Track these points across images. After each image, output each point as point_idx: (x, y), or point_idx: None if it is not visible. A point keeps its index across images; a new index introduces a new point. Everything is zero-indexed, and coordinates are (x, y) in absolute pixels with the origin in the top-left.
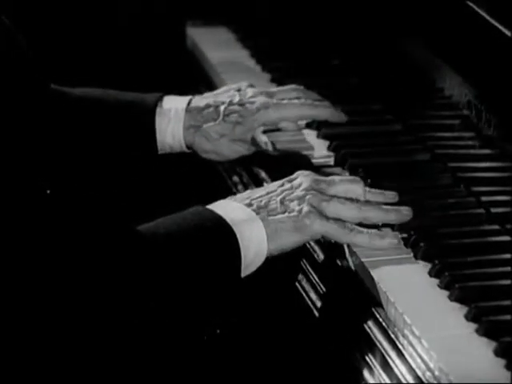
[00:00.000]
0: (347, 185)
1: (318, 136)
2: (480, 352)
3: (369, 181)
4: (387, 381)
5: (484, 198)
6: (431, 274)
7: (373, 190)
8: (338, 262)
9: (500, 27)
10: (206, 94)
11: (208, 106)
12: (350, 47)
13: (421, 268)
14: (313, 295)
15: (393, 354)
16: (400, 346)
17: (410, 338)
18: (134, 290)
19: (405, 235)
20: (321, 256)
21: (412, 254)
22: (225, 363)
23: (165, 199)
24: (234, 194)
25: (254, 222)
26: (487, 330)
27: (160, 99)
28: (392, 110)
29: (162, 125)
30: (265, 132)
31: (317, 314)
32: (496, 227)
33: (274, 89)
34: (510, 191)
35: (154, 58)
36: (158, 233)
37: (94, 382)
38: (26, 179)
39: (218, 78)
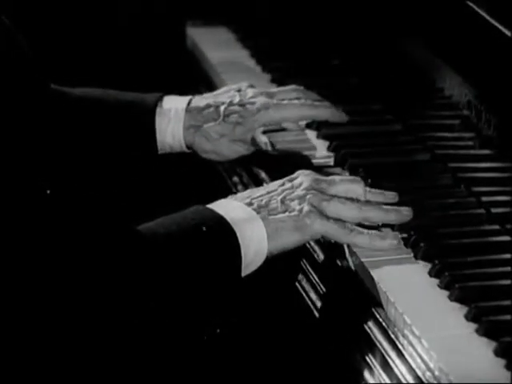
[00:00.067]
0: (348, 185)
1: (318, 136)
2: (480, 352)
3: (369, 181)
4: (387, 381)
5: (484, 198)
6: (431, 274)
7: (373, 190)
8: (338, 262)
9: (500, 27)
10: (206, 95)
11: (208, 106)
12: (349, 47)
13: (421, 268)
14: (313, 295)
15: (393, 354)
16: (400, 346)
17: (410, 337)
18: (134, 289)
19: (405, 235)
20: (321, 256)
21: (412, 254)
22: (225, 363)
23: (165, 199)
24: (234, 194)
25: (255, 222)
26: (487, 329)
27: (160, 99)
28: (392, 110)
29: (162, 125)
30: (265, 132)
31: (317, 314)
32: (496, 227)
33: (274, 89)
34: (510, 191)
35: (154, 58)
36: (158, 232)
37: (94, 382)
38: (25, 179)
39: (217, 78)
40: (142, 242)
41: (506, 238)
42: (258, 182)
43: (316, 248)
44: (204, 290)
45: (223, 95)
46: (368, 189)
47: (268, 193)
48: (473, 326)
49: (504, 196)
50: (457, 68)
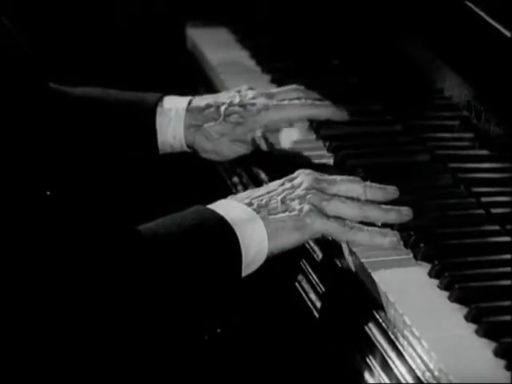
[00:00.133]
0: (348, 184)
1: (318, 137)
2: (480, 353)
3: (368, 181)
4: (387, 381)
5: (484, 199)
6: (431, 274)
7: (373, 184)
8: (338, 263)
9: (500, 28)
10: (206, 96)
11: (209, 105)
12: (349, 47)
13: (421, 269)
14: (312, 296)
15: (393, 354)
16: (400, 347)
17: (410, 338)
18: (135, 289)
19: (405, 236)
20: (320, 256)
21: (412, 255)
22: (225, 363)
23: (165, 199)
24: (234, 194)
25: (255, 221)
26: (487, 330)
27: (160, 99)
28: (392, 111)
29: (163, 124)
30: (265, 133)
31: (316, 314)
32: (496, 228)
33: (274, 90)
34: (510, 192)
35: (153, 58)
36: (159, 233)
37: (94, 382)
38: (25, 180)
39: (217, 79)
40: (142, 242)
41: (506, 239)
42: (258, 183)
43: (316, 248)
44: (204, 290)
45: (223, 96)
46: (368, 183)
47: (268, 193)
48: (473, 326)
49: (504, 196)
50: (457, 68)
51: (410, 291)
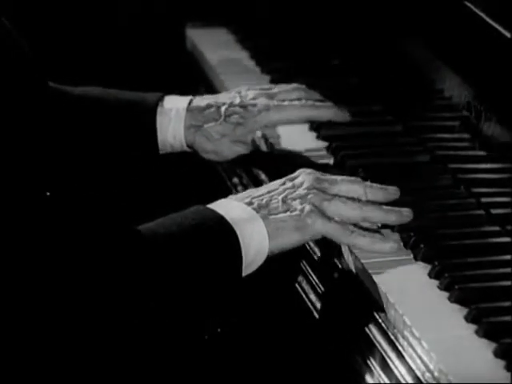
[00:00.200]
0: (349, 184)
1: (318, 137)
2: (480, 353)
3: (369, 182)
4: (387, 381)
5: (484, 199)
6: (431, 275)
7: (374, 184)
8: (338, 264)
9: (500, 28)
10: (207, 96)
11: (209, 106)
12: (349, 47)
13: (421, 269)
14: (312, 296)
15: (392, 355)
16: (400, 347)
17: (410, 339)
18: (135, 289)
19: (405, 236)
20: (320, 257)
21: (412, 256)
22: (225, 362)
23: (165, 199)
24: (235, 195)
25: (255, 221)
26: (487, 331)
27: (161, 99)
28: (392, 111)
29: (163, 124)
30: (265, 133)
31: (316, 315)
32: (496, 228)
33: (275, 89)
34: (510, 192)
35: (153, 59)
36: (159, 232)
37: (94, 382)
38: (25, 181)
39: (217, 80)
40: (142, 242)
41: (506, 239)
42: (258, 183)
43: (316, 249)
44: (205, 289)
45: (224, 96)
46: (369, 183)
47: (269, 192)
48: (472, 327)
49: (504, 197)
50: (457, 69)
51: (410, 292)
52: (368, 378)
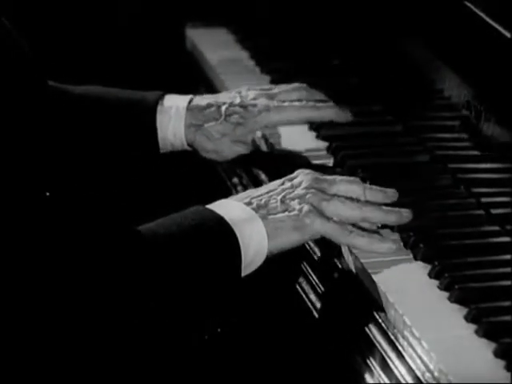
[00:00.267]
0: (348, 185)
1: (318, 137)
2: (479, 353)
3: (368, 182)
4: (387, 381)
5: (484, 199)
6: (431, 275)
7: (373, 186)
8: (338, 264)
9: (500, 28)
10: (207, 95)
11: (210, 105)
12: (349, 47)
13: (420, 269)
14: (312, 296)
15: (392, 355)
16: (400, 347)
17: (410, 339)
18: (134, 290)
19: (404, 236)
20: (320, 257)
21: (412, 255)
22: (225, 363)
23: (165, 199)
24: (234, 195)
25: (254, 221)
26: (487, 331)
27: (161, 97)
28: (392, 111)
29: (163, 122)
30: (265, 133)
31: (316, 315)
32: (496, 228)
33: (275, 90)
34: (510, 192)
35: (153, 59)
36: (158, 233)
37: (94, 382)
38: (24, 181)
39: (217, 79)
40: (142, 242)
41: (506, 239)
42: (258, 183)
43: (316, 249)
44: (204, 290)
45: (224, 96)
46: (368, 185)
47: (268, 192)
48: (472, 327)
49: (504, 197)
50: (456, 69)
51: (409, 292)
52: (368, 378)
